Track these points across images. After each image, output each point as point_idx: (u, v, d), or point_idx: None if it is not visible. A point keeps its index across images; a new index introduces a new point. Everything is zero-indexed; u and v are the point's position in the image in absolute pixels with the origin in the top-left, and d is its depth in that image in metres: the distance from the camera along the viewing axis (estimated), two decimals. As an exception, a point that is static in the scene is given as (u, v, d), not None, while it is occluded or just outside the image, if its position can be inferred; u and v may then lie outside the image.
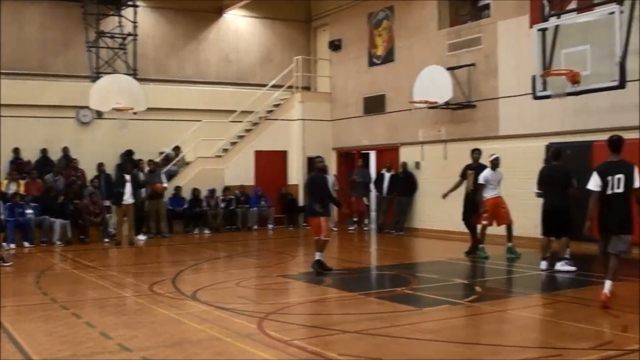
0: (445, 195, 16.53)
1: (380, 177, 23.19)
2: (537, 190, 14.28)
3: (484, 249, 15.60)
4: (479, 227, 15.93)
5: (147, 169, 21.74)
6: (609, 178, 10.10)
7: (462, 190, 16.42)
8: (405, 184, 22.38)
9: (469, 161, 16.51)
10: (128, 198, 19.62)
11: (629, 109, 15.85)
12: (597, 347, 7.84)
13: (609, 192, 10.08)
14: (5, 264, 15.19)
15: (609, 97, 15.67)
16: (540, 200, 14.26)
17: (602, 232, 10.31)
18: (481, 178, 15.49)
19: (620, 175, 10.06)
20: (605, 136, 15.66)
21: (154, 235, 21.38)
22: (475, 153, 16.42)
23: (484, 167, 15.77)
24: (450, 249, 17.72)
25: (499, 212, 15.59)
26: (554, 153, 13.81)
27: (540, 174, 13.81)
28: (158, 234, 21.54)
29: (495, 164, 15.53)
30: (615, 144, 10.39)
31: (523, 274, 14.01)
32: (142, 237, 20.75)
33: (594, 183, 10.22)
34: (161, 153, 24.06)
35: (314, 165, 14.61)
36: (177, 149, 24.50)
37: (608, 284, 10.00)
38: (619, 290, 10.36)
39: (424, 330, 8.84)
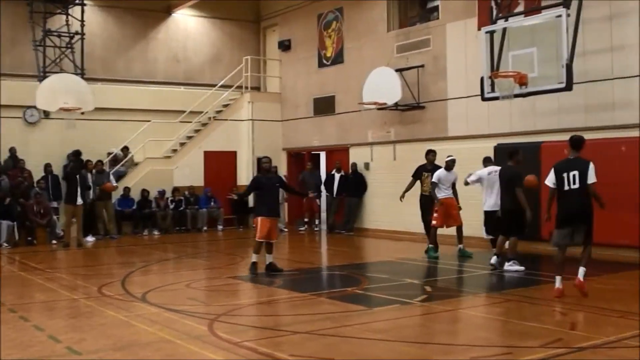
0: (402, 197, 16.60)
1: (330, 177, 23.23)
2: (468, 179, 14.82)
3: (434, 249, 15.73)
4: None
5: (94, 170, 21.50)
6: (564, 175, 10.56)
7: (415, 192, 16.51)
8: (355, 185, 22.45)
9: (419, 162, 16.60)
10: (77, 199, 19.38)
11: (576, 111, 16.15)
12: (545, 345, 7.94)
13: (566, 188, 10.53)
14: None
15: (556, 98, 15.93)
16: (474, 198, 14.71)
17: (561, 226, 10.59)
18: (434, 177, 15.60)
19: (575, 172, 10.49)
20: (553, 137, 16.11)
21: (103, 237, 21.14)
22: (430, 155, 16.48)
23: (439, 168, 15.89)
24: (399, 249, 17.84)
25: (451, 213, 15.70)
26: (509, 152, 13.91)
27: (499, 172, 13.89)
28: (106, 235, 21.30)
29: (450, 165, 15.66)
30: (576, 142, 10.84)
31: (473, 273, 14.11)
32: (90, 239, 20.47)
33: (549, 180, 10.81)
34: (109, 153, 23.75)
35: (260, 166, 14.56)
36: (125, 150, 24.22)
37: (582, 270, 10.41)
38: (567, 289, 10.54)
39: (374, 330, 8.87)
